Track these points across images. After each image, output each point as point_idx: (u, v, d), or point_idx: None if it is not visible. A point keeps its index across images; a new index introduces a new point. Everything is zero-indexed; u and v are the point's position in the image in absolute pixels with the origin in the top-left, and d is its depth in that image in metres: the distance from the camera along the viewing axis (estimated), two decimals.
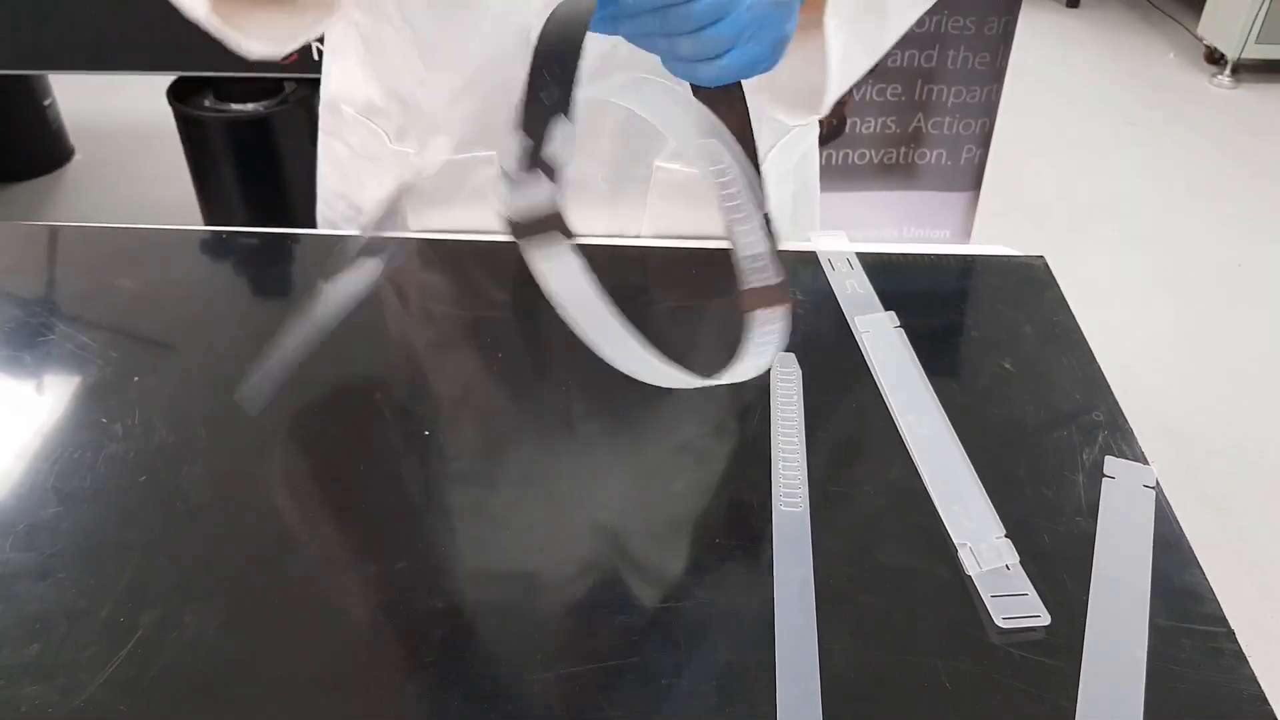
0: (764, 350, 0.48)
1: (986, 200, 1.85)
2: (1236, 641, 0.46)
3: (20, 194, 2.20)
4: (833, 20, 0.53)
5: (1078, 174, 2.47)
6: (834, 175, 1.79)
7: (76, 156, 2.31)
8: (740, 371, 0.48)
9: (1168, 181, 2.45)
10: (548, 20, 0.43)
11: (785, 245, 0.72)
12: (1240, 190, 2.41)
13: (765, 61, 0.46)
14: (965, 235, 1.86)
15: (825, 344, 0.63)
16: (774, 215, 0.49)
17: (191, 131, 1.60)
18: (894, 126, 1.77)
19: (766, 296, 0.49)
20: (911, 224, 1.86)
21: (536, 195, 0.42)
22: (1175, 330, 1.97)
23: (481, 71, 0.64)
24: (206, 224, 1.80)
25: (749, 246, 0.50)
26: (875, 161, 1.80)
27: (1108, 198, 2.38)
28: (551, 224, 0.42)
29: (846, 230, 2.00)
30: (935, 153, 1.79)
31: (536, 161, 0.42)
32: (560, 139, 0.42)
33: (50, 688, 0.43)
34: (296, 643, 0.45)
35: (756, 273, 0.50)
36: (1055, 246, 2.26)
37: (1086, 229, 2.26)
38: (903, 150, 1.79)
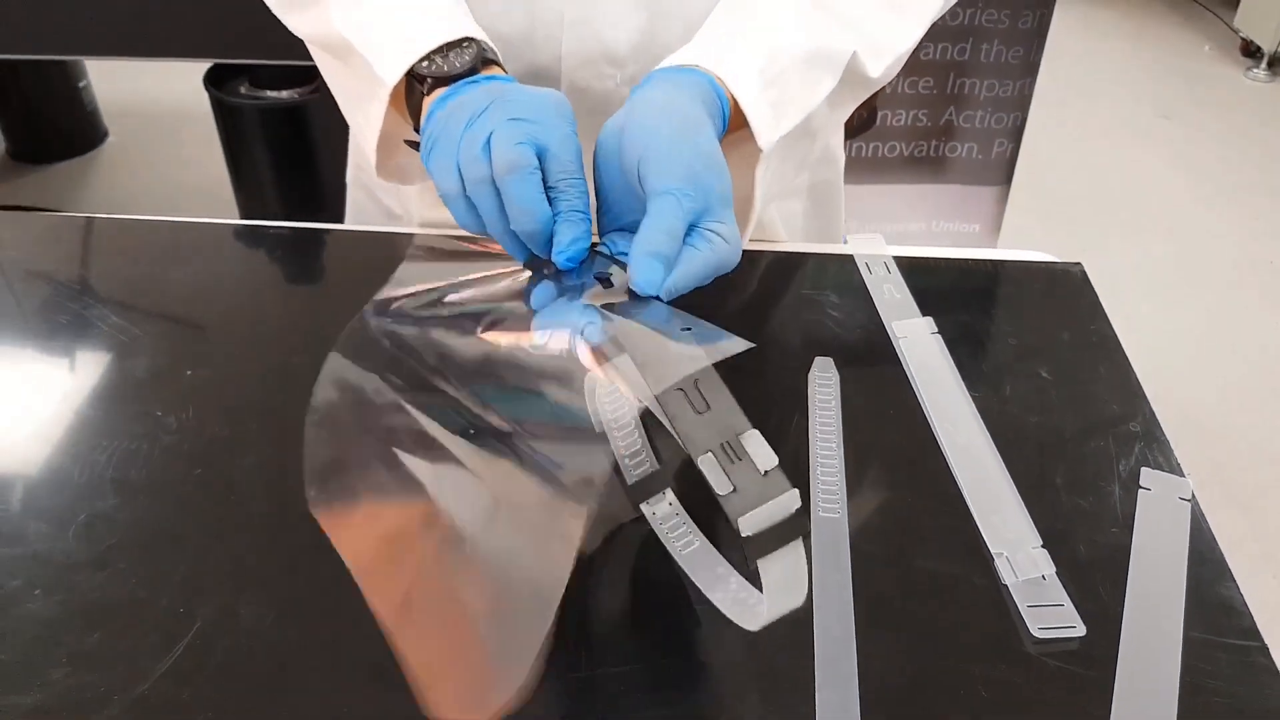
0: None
1: (1016, 194, 1.84)
2: (1269, 656, 0.46)
3: (54, 176, 2.23)
4: (763, 169, 0.56)
5: (1109, 167, 2.45)
6: (863, 168, 1.79)
7: (110, 139, 2.34)
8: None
9: (1200, 176, 2.42)
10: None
11: (821, 248, 0.73)
12: (1274, 185, 2.39)
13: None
14: (995, 230, 1.85)
15: (863, 349, 0.64)
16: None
17: (227, 118, 1.61)
18: (925, 120, 1.76)
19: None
20: (940, 218, 1.85)
21: None
22: (1203, 326, 1.96)
23: None
24: (241, 209, 1.82)
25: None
26: (905, 154, 1.79)
27: (1139, 192, 2.36)
28: None
29: (875, 223, 1.98)
30: (966, 146, 1.79)
31: None
32: None
33: (113, 676, 0.44)
34: (350, 635, 0.47)
35: None
36: (1085, 241, 2.23)
37: (1117, 223, 2.25)
38: (933, 143, 1.78)
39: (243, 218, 1.82)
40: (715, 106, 0.53)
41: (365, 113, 0.59)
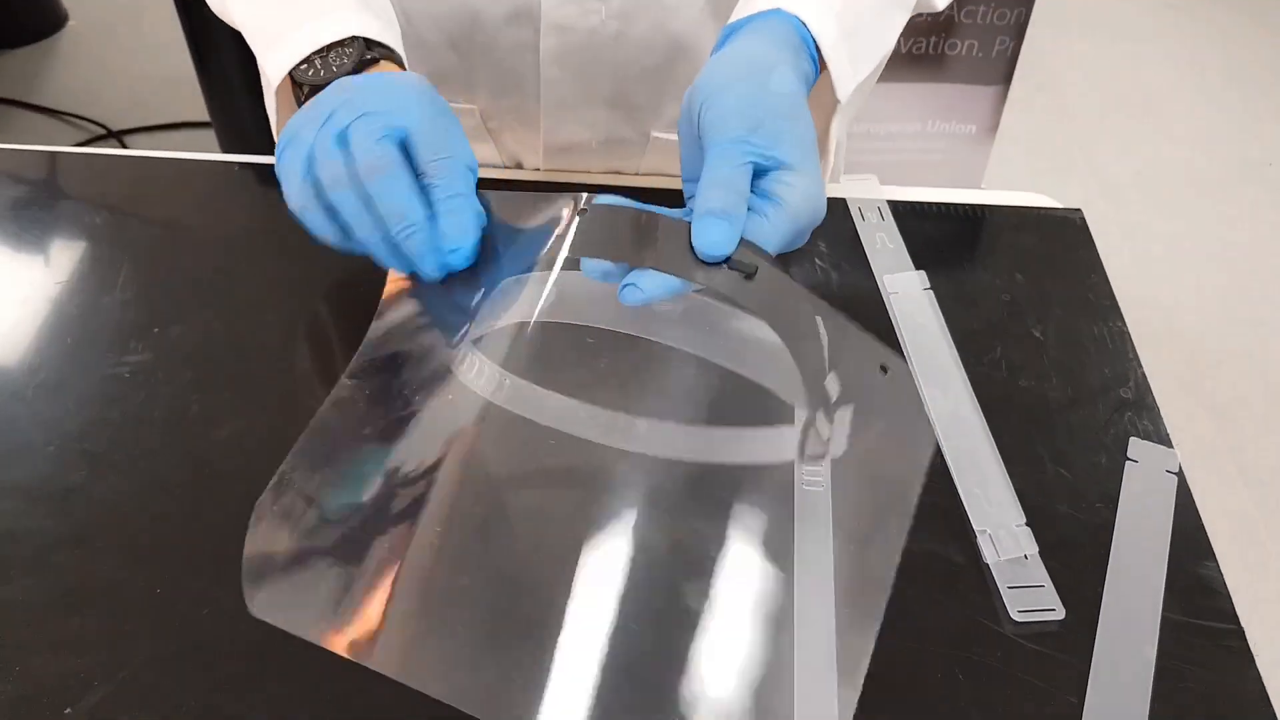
0: None
1: (1014, 90, 1.78)
2: (1245, 639, 0.47)
3: (13, 63, 2.13)
4: (840, 119, 0.53)
5: (1109, 61, 2.37)
6: None
7: (70, 22, 2.22)
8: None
9: (1204, 69, 2.35)
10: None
11: None
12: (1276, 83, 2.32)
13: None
14: (991, 131, 1.80)
15: (852, 305, 0.62)
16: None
17: (190, 9, 1.53)
18: (925, 15, 1.68)
19: None
20: (937, 118, 1.80)
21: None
22: (1198, 230, 1.94)
23: (460, 30, 0.62)
24: (208, 103, 1.75)
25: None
26: (904, 51, 1.72)
27: (1139, 87, 2.30)
28: None
29: (870, 124, 1.92)
30: (966, 43, 1.72)
31: None
32: None
33: (93, 662, 0.44)
34: None
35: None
36: (1081, 142, 2.17)
37: (1113, 119, 2.19)
38: (933, 40, 1.71)
39: (211, 114, 1.75)
40: (800, 49, 0.49)
41: (268, 101, 0.56)
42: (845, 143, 0.82)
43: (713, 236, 0.42)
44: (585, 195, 0.46)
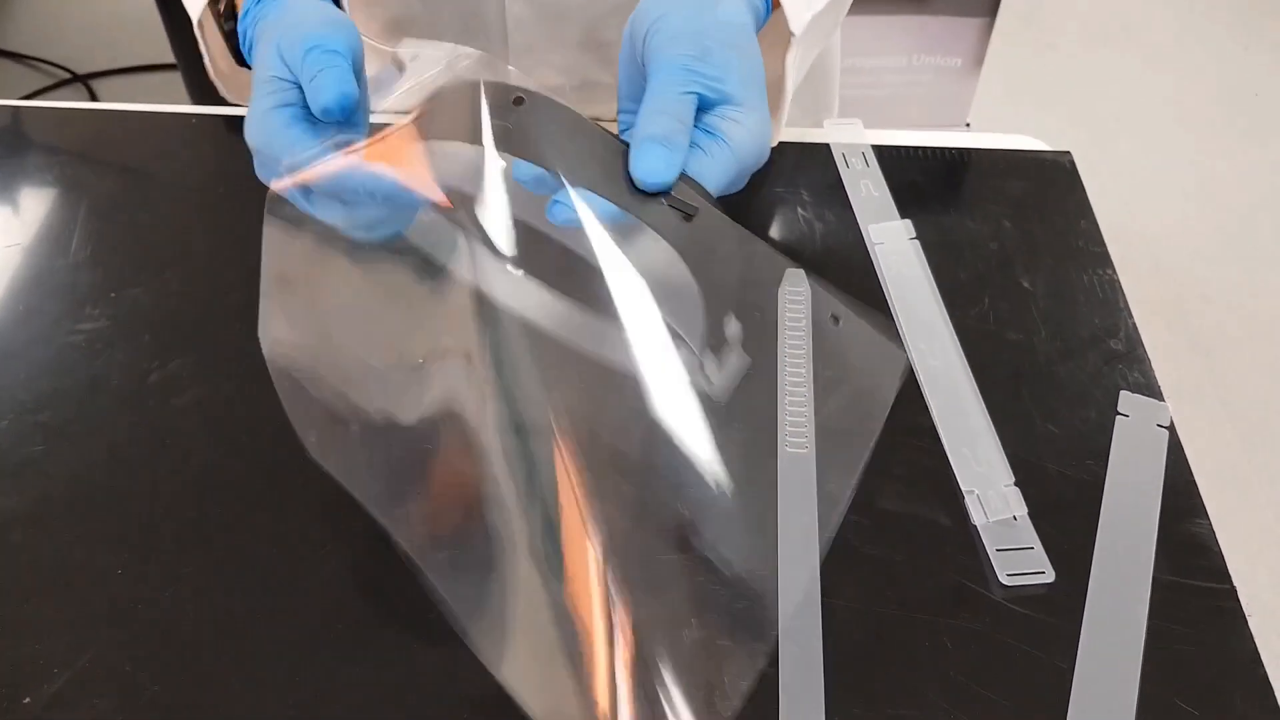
0: None
1: (998, 23, 1.74)
2: (1237, 599, 0.46)
3: None
4: (794, 53, 0.50)
5: None
6: None
7: None
8: None
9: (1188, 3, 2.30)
10: None
11: (795, 135, 0.68)
12: (1269, 8, 2.28)
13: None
14: (977, 64, 1.76)
15: (835, 256, 0.60)
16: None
17: None
18: None
19: None
20: (922, 51, 1.75)
21: None
22: (1183, 162, 1.91)
23: None
24: (172, 44, 1.68)
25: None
26: None
27: (1122, 16, 2.25)
28: None
29: (854, 58, 1.87)
30: None
31: None
32: None
33: (54, 645, 0.43)
34: (298, 595, 0.45)
35: None
36: (1065, 70, 2.14)
37: (1099, 50, 2.15)
38: None
39: (176, 56, 1.69)
40: None
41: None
42: (837, 79, 0.79)
43: (651, 163, 0.39)
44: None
